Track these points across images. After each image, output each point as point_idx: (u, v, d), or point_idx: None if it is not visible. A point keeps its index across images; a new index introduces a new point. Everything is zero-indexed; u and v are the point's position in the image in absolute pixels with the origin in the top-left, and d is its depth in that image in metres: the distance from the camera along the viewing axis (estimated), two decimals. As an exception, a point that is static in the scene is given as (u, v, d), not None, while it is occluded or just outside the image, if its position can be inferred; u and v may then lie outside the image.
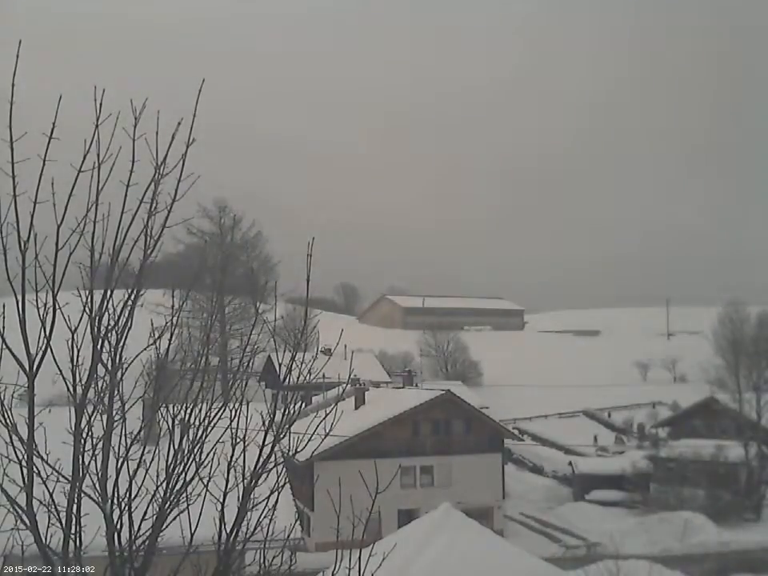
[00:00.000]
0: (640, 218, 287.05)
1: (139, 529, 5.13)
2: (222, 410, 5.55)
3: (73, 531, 4.88)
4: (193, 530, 5.36)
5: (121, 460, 5.11)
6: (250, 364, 6.40)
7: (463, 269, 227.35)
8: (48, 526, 4.83)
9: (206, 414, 5.44)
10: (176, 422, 5.38)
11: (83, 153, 4.71)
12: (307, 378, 5.56)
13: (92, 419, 5.00)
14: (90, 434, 4.96)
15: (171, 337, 5.57)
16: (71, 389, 4.90)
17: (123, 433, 5.11)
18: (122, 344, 5.09)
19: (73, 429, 4.88)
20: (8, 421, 4.83)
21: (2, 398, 4.83)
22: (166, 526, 5.24)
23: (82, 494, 4.91)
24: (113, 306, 5.02)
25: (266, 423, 5.46)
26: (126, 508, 5.10)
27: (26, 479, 4.76)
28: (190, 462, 5.30)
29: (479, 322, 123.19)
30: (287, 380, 5.54)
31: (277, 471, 5.65)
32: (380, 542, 11.33)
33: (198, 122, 4.96)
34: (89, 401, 5.00)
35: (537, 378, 79.46)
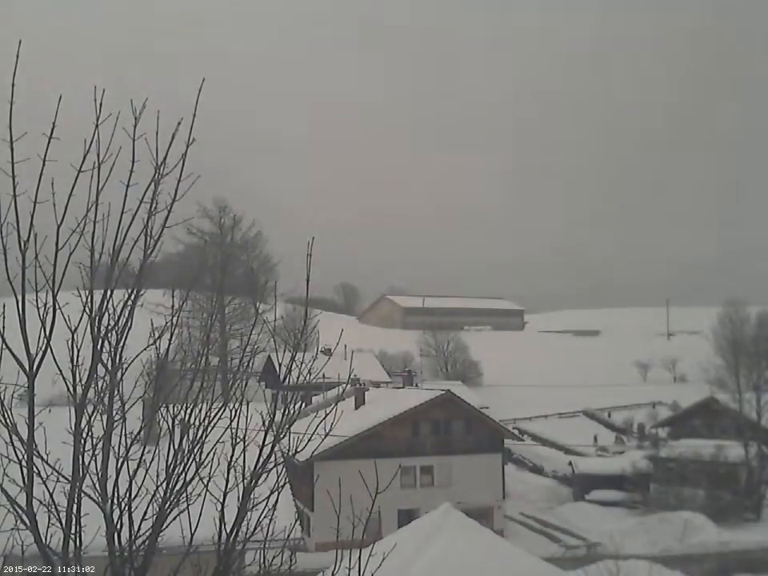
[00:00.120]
0: (641, 218, 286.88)
1: (139, 529, 5.13)
2: (221, 410, 5.55)
3: (73, 531, 4.88)
4: (193, 530, 5.36)
5: (121, 460, 5.11)
6: (250, 364, 6.40)
7: (463, 269, 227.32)
8: (48, 526, 4.83)
9: (206, 413, 5.44)
10: (176, 421, 5.38)
11: (83, 153, 4.71)
12: (307, 377, 5.56)
13: (92, 419, 5.00)
14: (90, 434, 4.96)
15: (171, 337, 5.57)
16: (71, 389, 4.90)
17: (123, 433, 5.12)
18: (122, 344, 5.09)
19: (73, 429, 4.88)
20: (8, 421, 4.83)
21: (2, 397, 4.83)
22: (166, 526, 5.24)
23: (82, 494, 4.91)
24: (113, 306, 5.02)
25: (266, 423, 5.46)
26: (126, 508, 5.10)
27: (26, 479, 4.76)
28: (189, 461, 5.30)
29: (479, 322, 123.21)
30: (287, 380, 5.54)
31: (277, 471, 5.65)
32: (380, 542, 11.34)
33: (198, 121, 4.97)
34: (89, 401, 5.00)
35: (537, 378, 79.49)
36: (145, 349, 5.37)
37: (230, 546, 5.37)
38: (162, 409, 5.42)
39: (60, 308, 4.78)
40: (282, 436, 5.50)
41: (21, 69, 4.50)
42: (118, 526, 5.05)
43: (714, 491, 44.52)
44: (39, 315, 4.77)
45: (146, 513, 5.17)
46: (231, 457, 5.35)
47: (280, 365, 5.58)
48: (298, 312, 50.58)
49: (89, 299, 4.95)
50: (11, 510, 4.78)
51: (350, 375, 7.82)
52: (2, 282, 4.65)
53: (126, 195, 4.88)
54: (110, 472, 5.01)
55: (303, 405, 5.70)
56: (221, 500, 5.33)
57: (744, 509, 45.17)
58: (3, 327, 4.92)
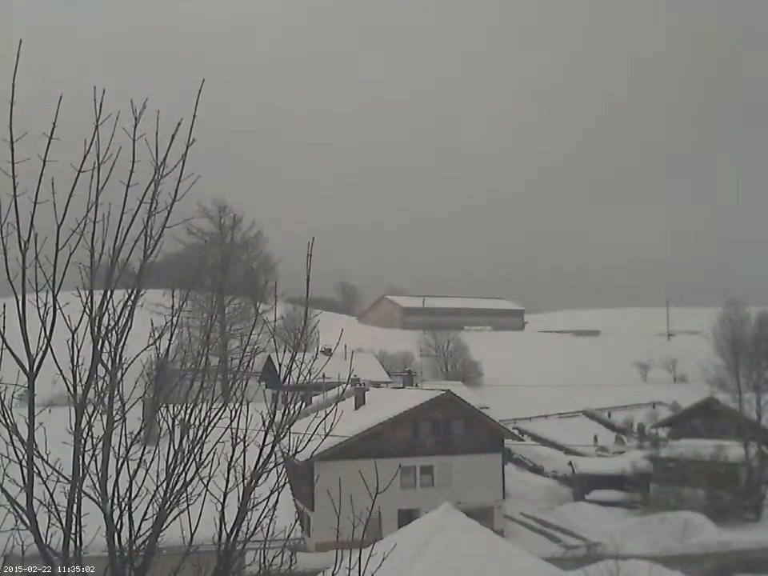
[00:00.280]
0: (640, 218, 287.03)
1: (139, 529, 5.13)
2: (221, 410, 5.55)
3: (73, 531, 4.88)
4: (193, 530, 5.36)
5: (121, 460, 5.11)
6: (250, 364, 6.40)
7: (463, 269, 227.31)
8: (48, 526, 4.83)
9: (206, 413, 5.44)
10: (176, 421, 5.38)
11: (83, 153, 4.71)
12: (307, 378, 5.56)
13: (92, 419, 5.00)
14: (90, 433, 4.96)
15: (171, 337, 5.57)
16: (71, 389, 4.90)
17: (123, 433, 5.12)
18: (122, 344, 5.09)
19: (73, 429, 4.88)
20: (8, 421, 4.83)
21: (2, 397, 4.83)
22: (166, 526, 5.24)
23: (82, 494, 4.91)
24: (113, 306, 5.02)
25: (266, 423, 5.46)
26: (126, 508, 5.10)
27: (26, 479, 4.76)
28: (190, 461, 5.30)
29: (479, 322, 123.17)
30: (287, 380, 5.54)
31: (277, 471, 5.65)
32: (380, 542, 11.33)
33: (199, 122, 4.97)
34: (89, 401, 5.00)
35: (537, 378, 79.48)
36: (145, 349, 5.37)
37: (230, 545, 5.37)
38: (162, 409, 5.42)
39: (60, 308, 4.78)
40: (282, 436, 5.50)
41: (21, 69, 4.50)
42: (118, 526, 5.05)
43: (713, 491, 44.52)
44: (39, 315, 4.77)
45: (146, 513, 5.17)
46: (231, 457, 5.35)
47: (280, 365, 5.58)
48: (298, 312, 50.56)
49: (89, 299, 4.95)
50: (11, 509, 4.78)
51: (349, 375, 7.83)
52: (2, 281, 4.66)
53: (126, 195, 4.88)
54: (110, 472, 5.02)
55: (303, 405, 5.70)
56: (221, 500, 5.33)
57: (744, 509, 45.18)
58: (3, 327, 4.92)
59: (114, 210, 4.93)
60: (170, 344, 5.51)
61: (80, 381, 4.92)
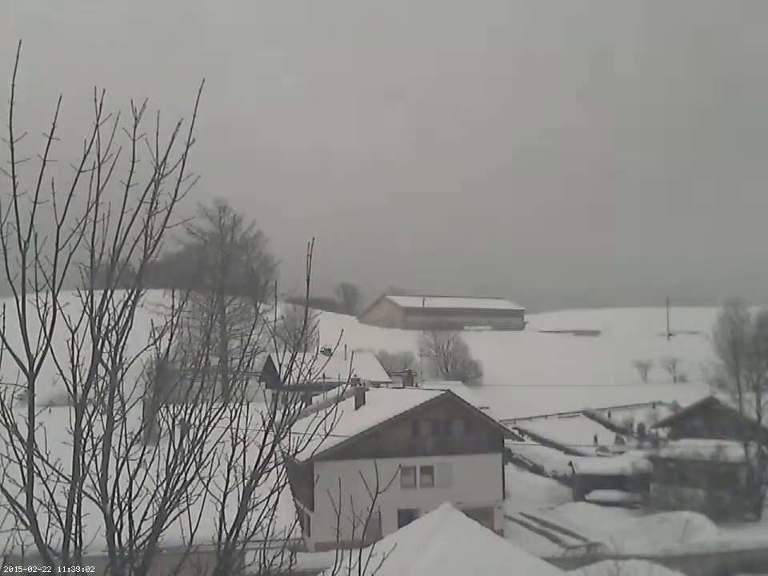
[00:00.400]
0: (640, 218, 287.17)
1: (139, 529, 5.13)
2: (222, 410, 5.55)
3: (73, 531, 4.88)
4: (193, 530, 5.36)
5: (121, 460, 5.11)
6: (250, 364, 6.40)
7: (463, 269, 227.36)
8: (48, 526, 4.83)
9: (206, 414, 5.44)
10: (176, 422, 5.38)
11: (83, 153, 4.71)
12: (307, 378, 5.56)
13: (92, 419, 5.00)
14: (90, 433, 4.96)
15: (171, 337, 5.57)
16: (71, 389, 4.91)
17: (123, 433, 5.12)
18: (122, 344, 5.09)
19: (73, 429, 4.88)
20: (8, 421, 4.83)
21: (2, 398, 4.83)
22: (166, 526, 5.24)
23: (82, 494, 4.91)
24: (113, 306, 5.02)
25: (266, 423, 5.46)
26: (126, 508, 5.10)
27: (26, 479, 4.76)
28: (190, 462, 5.30)
29: (479, 322, 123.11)
30: (287, 380, 5.54)
31: (277, 471, 5.65)
32: (380, 542, 11.33)
33: (200, 122, 4.97)
34: (89, 401, 5.00)
35: (537, 378, 79.41)
36: (145, 349, 5.38)
37: (230, 545, 5.37)
38: (162, 409, 5.42)
39: (60, 308, 4.78)
40: (282, 436, 5.49)
41: (21, 69, 4.50)
42: (118, 526, 5.05)
43: (713, 491, 44.54)
44: (39, 315, 4.77)
45: (146, 513, 5.17)
46: (231, 457, 5.35)
47: (280, 365, 5.58)
48: (298, 312, 50.60)
49: (89, 299, 4.95)
50: (11, 510, 4.78)
51: (350, 375, 7.82)
52: (2, 281, 4.66)
53: (126, 195, 4.88)
54: (110, 472, 5.01)
55: (303, 405, 5.70)
56: (221, 500, 5.33)
57: (744, 509, 45.20)
58: (3, 327, 4.92)
59: (114, 210, 4.93)
60: (170, 344, 5.51)
61: (80, 381, 4.92)
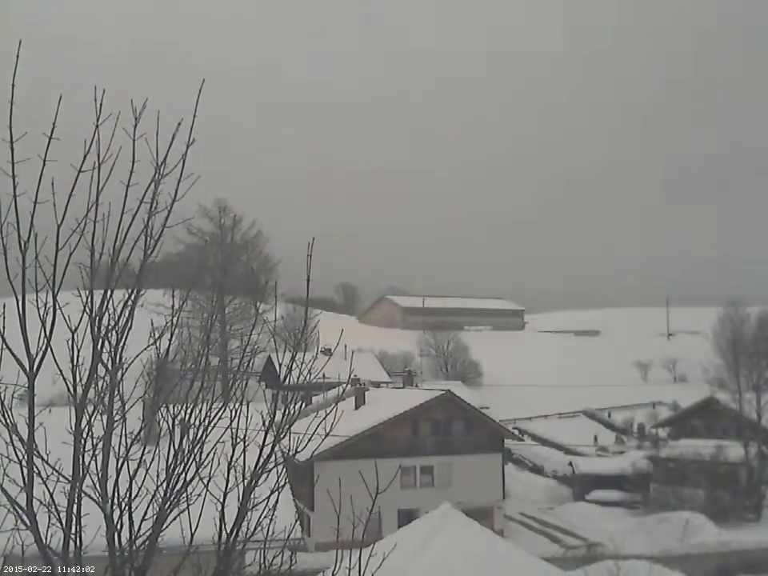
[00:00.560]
0: (640, 218, 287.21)
1: (139, 529, 5.13)
2: (222, 410, 5.55)
3: (73, 531, 4.88)
4: (193, 530, 5.36)
5: (121, 460, 5.11)
6: (250, 364, 6.40)
7: (463, 269, 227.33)
8: (48, 526, 4.83)
9: (206, 414, 5.44)
10: (176, 421, 5.38)
11: (83, 153, 4.71)
12: (307, 378, 5.56)
13: (92, 419, 5.01)
14: (90, 433, 4.97)
15: (171, 337, 5.57)
16: (71, 389, 4.91)
17: (123, 433, 5.12)
18: (122, 344, 5.09)
19: (73, 429, 4.89)
20: (8, 421, 4.83)
21: (2, 398, 4.83)
22: (166, 526, 5.24)
23: (82, 494, 4.91)
24: (113, 306, 5.02)
25: (266, 423, 5.46)
26: (126, 508, 5.10)
27: (26, 479, 4.76)
28: (190, 462, 5.30)
29: (479, 322, 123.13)
30: (287, 380, 5.54)
31: (277, 471, 5.65)
32: (380, 542, 11.34)
33: (200, 121, 4.97)
34: (89, 401, 5.00)
35: (537, 378, 79.47)
36: (145, 349, 5.38)
37: (230, 545, 5.37)
38: (162, 409, 5.42)
39: (60, 308, 4.79)
40: (282, 436, 5.50)
41: (21, 69, 4.50)
42: (118, 526, 5.05)
43: (713, 491, 44.55)
44: (39, 315, 4.77)
45: (146, 513, 5.17)
46: (231, 457, 5.35)
47: (280, 365, 5.58)
48: (298, 312, 50.60)
49: (89, 299, 4.95)
50: (11, 510, 4.78)
51: (350, 375, 7.82)
52: (2, 281, 4.66)
53: (126, 195, 4.88)
54: (110, 472, 5.02)
55: (303, 405, 5.70)
56: (221, 500, 5.33)
57: (744, 509, 45.20)
58: (3, 327, 4.92)
59: (114, 210, 4.93)
60: (170, 344, 5.51)
61: (80, 381, 4.92)
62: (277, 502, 5.48)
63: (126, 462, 5.13)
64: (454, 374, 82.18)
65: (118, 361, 5.06)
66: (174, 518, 5.31)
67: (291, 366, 5.53)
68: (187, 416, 5.36)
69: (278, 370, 5.83)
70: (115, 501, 5.07)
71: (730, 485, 46.02)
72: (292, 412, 5.59)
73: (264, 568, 5.40)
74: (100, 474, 5.00)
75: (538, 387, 75.74)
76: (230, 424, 5.45)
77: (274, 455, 5.48)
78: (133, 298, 5.15)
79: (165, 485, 5.23)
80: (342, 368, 7.64)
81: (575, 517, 46.00)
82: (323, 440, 5.70)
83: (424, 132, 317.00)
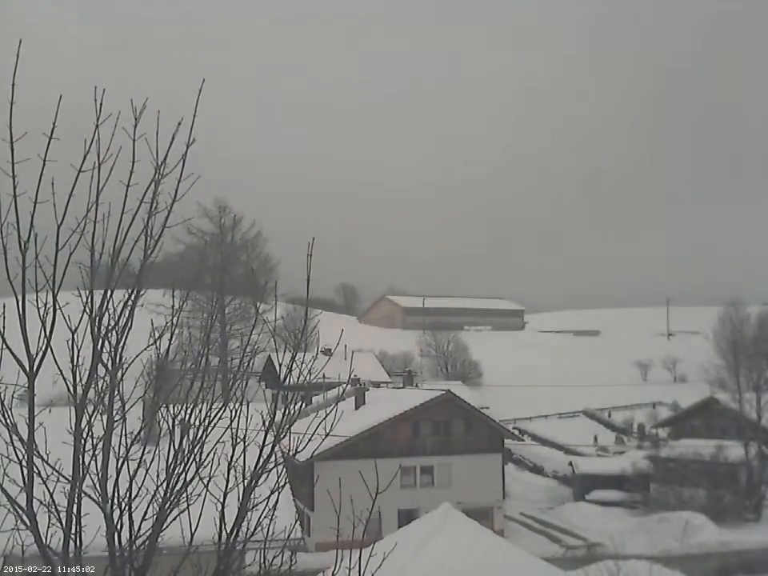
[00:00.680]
0: (640, 218, 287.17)
1: (139, 529, 5.14)
2: (222, 410, 5.55)
3: (73, 531, 4.88)
4: (193, 530, 5.36)
5: (121, 460, 5.12)
6: (250, 364, 6.40)
7: (463, 269, 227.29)
8: (48, 526, 4.83)
9: (206, 414, 5.45)
10: (176, 422, 5.38)
11: (83, 153, 4.71)
12: (307, 378, 5.57)
13: (92, 419, 5.01)
14: (90, 433, 4.97)
15: (171, 337, 5.57)
16: (71, 389, 4.91)
17: (123, 433, 5.12)
18: (122, 344, 5.09)
19: (73, 429, 4.89)
20: (8, 421, 4.83)
21: (2, 397, 4.83)
22: (166, 526, 5.25)
23: (82, 494, 4.92)
24: (113, 306, 5.02)
25: (266, 423, 5.47)
26: (126, 508, 5.10)
27: (26, 479, 4.76)
28: (190, 462, 5.30)
29: (479, 322, 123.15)
30: (287, 380, 5.54)
31: (277, 471, 5.65)
32: (380, 542, 11.34)
33: (200, 121, 4.98)
34: (89, 401, 5.00)
35: (537, 378, 79.47)
36: (145, 349, 5.38)
37: (230, 545, 5.37)
38: (162, 409, 5.42)
39: (60, 308, 4.79)
40: (282, 436, 5.50)
41: (21, 68, 4.50)
42: (118, 526, 5.06)
43: (714, 491, 44.55)
44: (39, 315, 4.77)
45: (146, 513, 5.17)
46: (231, 457, 5.35)
47: (280, 365, 5.58)
48: (298, 312, 50.65)
49: (89, 299, 4.95)
50: (11, 509, 4.78)
51: (350, 375, 7.83)
52: (2, 281, 4.66)
53: (126, 195, 4.88)
54: (110, 472, 5.02)
55: (303, 405, 5.70)
56: (221, 500, 5.33)
57: (744, 509, 45.21)
58: (3, 327, 4.92)
59: (114, 210, 4.94)
60: (170, 344, 5.52)
61: (80, 381, 4.92)
62: (277, 501, 5.48)
63: (126, 462, 5.13)
64: (453, 374, 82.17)
65: (117, 361, 5.06)
66: (174, 518, 5.31)
67: (291, 366, 5.53)
68: (187, 416, 5.36)
69: (278, 370, 5.83)
70: (115, 501, 5.07)
71: (730, 485, 46.03)
72: (292, 412, 5.59)
73: (264, 568, 5.41)
74: (100, 474, 5.00)
75: (537, 387, 75.72)
76: (230, 424, 5.46)
77: (274, 455, 5.49)
78: (133, 298, 5.15)
79: (165, 485, 5.23)
80: (342, 368, 7.65)
81: (575, 517, 46.01)
82: (323, 440, 5.70)
83: (423, 131, 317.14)
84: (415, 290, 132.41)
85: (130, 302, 5.13)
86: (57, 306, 4.78)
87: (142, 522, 5.13)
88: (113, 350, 5.05)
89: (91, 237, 4.87)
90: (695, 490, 44.96)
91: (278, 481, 5.60)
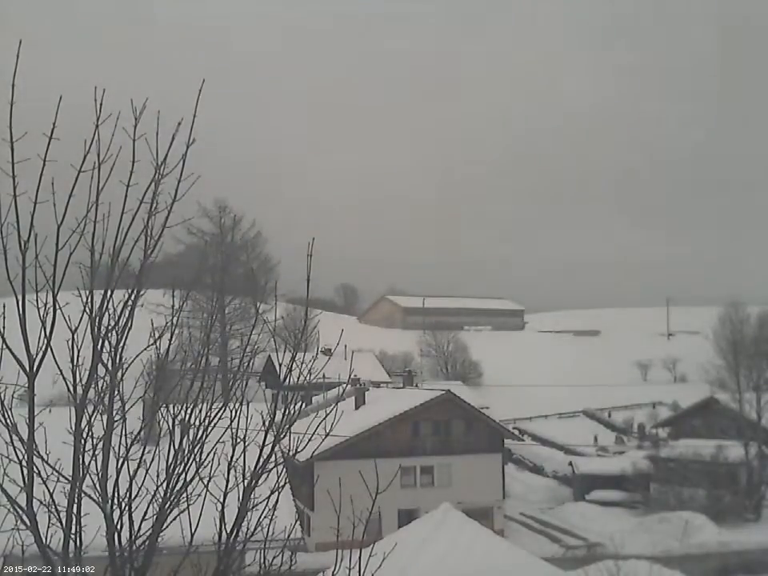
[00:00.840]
0: (640, 218, 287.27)
1: (139, 529, 5.14)
2: (222, 410, 5.55)
3: (73, 531, 4.88)
4: (193, 530, 5.36)
5: (121, 460, 5.12)
6: (250, 364, 6.41)
7: (463, 269, 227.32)
8: (48, 526, 4.84)
9: (206, 414, 5.45)
10: (176, 422, 5.38)
11: (83, 153, 4.71)
12: (307, 378, 5.57)
13: (92, 419, 5.01)
14: (90, 433, 4.97)
15: (171, 337, 5.57)
16: (71, 389, 4.91)
17: (123, 433, 5.12)
18: (122, 344, 5.10)
19: (73, 429, 4.89)
20: (8, 421, 4.84)
21: (2, 397, 4.83)
22: (166, 526, 5.25)
23: (82, 494, 4.92)
24: (113, 306, 5.03)
25: (266, 423, 5.47)
26: (126, 508, 5.10)
27: (26, 479, 4.76)
28: (190, 462, 5.30)
29: (479, 322, 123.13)
30: (287, 380, 5.54)
31: (277, 471, 5.65)
32: (380, 542, 11.34)
33: (200, 121, 4.98)
34: (89, 401, 5.00)
35: (537, 378, 79.46)
36: (145, 349, 5.38)
37: (230, 545, 5.37)
38: (162, 409, 5.43)
39: (60, 308, 4.79)
40: (282, 436, 5.50)
41: (21, 68, 4.50)
42: (118, 526, 5.06)
43: (713, 491, 44.56)
44: (39, 315, 4.77)
45: (146, 513, 5.17)
46: (231, 457, 5.35)
47: (280, 365, 5.59)
48: (298, 312, 50.63)
49: (89, 299, 4.95)
50: (11, 509, 4.79)
51: (350, 375, 7.83)
52: (2, 281, 4.66)
53: (126, 195, 4.89)
54: (110, 472, 5.02)
55: (303, 405, 5.70)
56: (221, 500, 5.34)
57: (744, 509, 45.22)
58: (3, 327, 4.92)
59: (114, 210, 4.94)
60: (170, 344, 5.52)
61: (80, 381, 4.92)
62: (277, 501, 5.48)
63: (126, 462, 5.13)
64: (454, 374, 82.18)
65: (118, 361, 5.06)
66: (174, 518, 5.31)
67: (291, 366, 5.53)
68: (187, 416, 5.37)
69: (278, 370, 5.83)
70: (115, 501, 5.07)
71: (730, 485, 46.05)
72: (292, 412, 5.60)
73: (264, 568, 5.41)
74: (100, 474, 5.00)
75: (538, 387, 75.70)
76: (230, 424, 5.46)
77: (274, 455, 5.49)
78: (133, 298, 5.15)
79: (165, 485, 5.23)
80: (342, 368, 7.65)
81: (575, 517, 46.02)
82: (323, 440, 5.70)
83: (423, 131, 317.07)
84: (415, 290, 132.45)
85: (130, 302, 5.13)
86: (57, 306, 4.78)
87: (142, 522, 5.14)
88: (113, 350, 5.05)
89: (91, 237, 4.87)
90: (695, 490, 44.97)
91: (277, 481, 5.60)
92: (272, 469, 5.51)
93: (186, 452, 5.30)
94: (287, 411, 5.59)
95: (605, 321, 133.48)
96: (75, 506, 4.88)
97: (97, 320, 4.98)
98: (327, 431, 5.74)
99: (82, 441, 4.92)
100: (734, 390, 50.23)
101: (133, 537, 5.10)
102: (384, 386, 56.17)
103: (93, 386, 5.01)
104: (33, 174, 4.54)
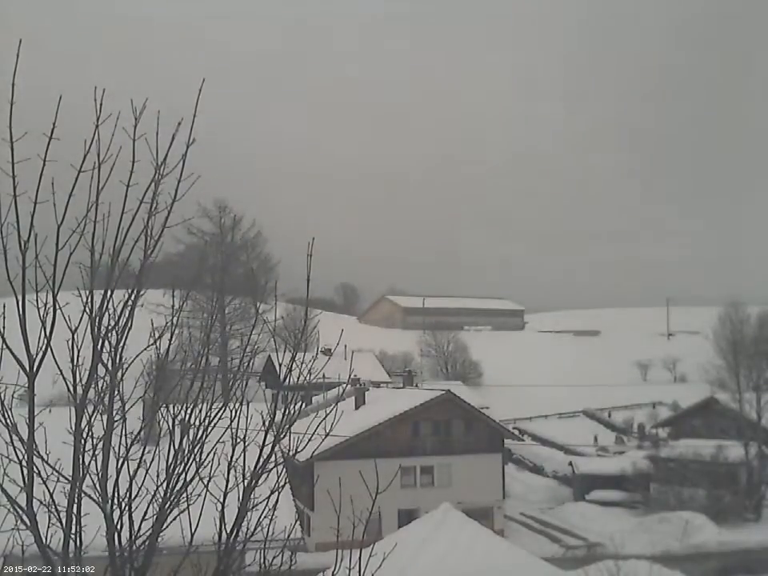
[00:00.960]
0: (640, 218, 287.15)
1: (139, 529, 5.14)
2: (222, 410, 5.55)
3: (73, 531, 4.88)
4: (193, 530, 5.36)
5: (121, 460, 5.12)
6: (250, 364, 6.41)
7: (463, 269, 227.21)
8: (48, 526, 4.84)
9: (206, 414, 5.45)
10: (176, 422, 5.38)
11: (83, 153, 4.71)
12: (307, 378, 5.57)
13: (92, 419, 5.01)
14: (90, 433, 4.97)
15: (171, 337, 5.57)
16: (71, 389, 4.91)
17: (123, 433, 5.12)
18: (122, 344, 5.10)
19: (73, 429, 4.89)
20: (8, 421, 4.84)
21: (2, 397, 4.83)
22: (166, 526, 5.25)
23: (82, 494, 4.92)
24: (113, 306, 5.03)
25: (266, 423, 5.47)
26: (126, 508, 5.10)
27: (26, 479, 4.76)
28: (190, 462, 5.30)
29: (479, 322, 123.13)
30: (287, 380, 5.54)
31: (277, 471, 5.65)
32: (380, 542, 11.35)
33: (200, 121, 4.98)
34: (89, 401, 5.00)
35: (537, 378, 79.44)
36: (145, 349, 5.38)
37: (230, 545, 5.37)
38: (162, 409, 5.43)
39: (60, 308, 4.79)
40: (282, 436, 5.50)
41: (21, 68, 4.50)
42: (118, 526, 5.06)
43: (714, 491, 44.55)
44: (39, 315, 4.77)
45: (146, 513, 5.17)
46: (231, 457, 5.35)
47: (280, 365, 5.59)
48: (298, 312, 50.63)
49: (89, 299, 4.95)
50: (11, 509, 4.79)
51: (350, 375, 7.84)
52: (2, 282, 4.66)
53: (126, 195, 4.89)
54: (110, 472, 5.02)
55: (303, 405, 5.70)
56: (221, 500, 5.34)
57: (744, 509, 45.22)
58: (3, 327, 4.92)
59: (114, 210, 4.94)
60: (170, 344, 5.52)
61: (80, 381, 4.92)
62: (277, 501, 5.48)
63: (126, 462, 5.13)
64: (454, 374, 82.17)
65: (118, 361, 5.06)
66: (174, 518, 5.31)
67: (291, 366, 5.53)
68: (187, 416, 5.37)
69: (278, 370, 5.83)
70: (115, 501, 5.07)
71: (730, 485, 46.03)
72: (292, 412, 5.60)
73: (264, 568, 5.41)
74: (100, 474, 5.00)
75: (538, 387, 75.69)
76: (230, 424, 5.46)
77: (274, 455, 5.49)
78: (133, 298, 5.15)
79: (165, 485, 5.23)
80: (342, 368, 7.65)
81: (575, 517, 46.02)
82: (323, 440, 5.70)
83: (424, 131, 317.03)
84: (415, 290, 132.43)
85: (130, 302, 5.13)
86: (57, 306, 4.78)
87: (142, 522, 5.14)
88: (113, 350, 5.05)
89: (91, 237, 4.87)
90: (695, 490, 44.97)
91: (277, 481, 5.60)
92: (272, 469, 5.51)
93: (186, 452, 5.30)
94: (287, 411, 5.59)
95: (605, 321, 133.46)
96: (75, 506, 4.88)
97: (97, 320, 4.98)
98: (327, 431, 5.74)
99: (82, 441, 4.92)
100: (733, 390, 50.22)
101: (133, 537, 5.10)
102: (384, 386, 56.16)
103: (93, 385, 5.01)
104: (33, 174, 4.54)
